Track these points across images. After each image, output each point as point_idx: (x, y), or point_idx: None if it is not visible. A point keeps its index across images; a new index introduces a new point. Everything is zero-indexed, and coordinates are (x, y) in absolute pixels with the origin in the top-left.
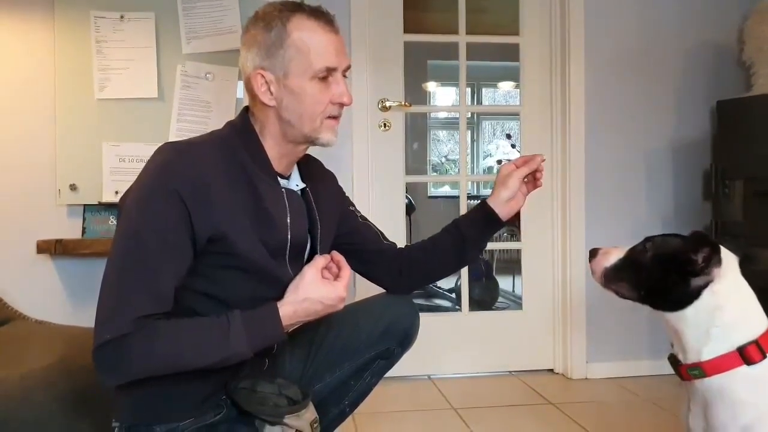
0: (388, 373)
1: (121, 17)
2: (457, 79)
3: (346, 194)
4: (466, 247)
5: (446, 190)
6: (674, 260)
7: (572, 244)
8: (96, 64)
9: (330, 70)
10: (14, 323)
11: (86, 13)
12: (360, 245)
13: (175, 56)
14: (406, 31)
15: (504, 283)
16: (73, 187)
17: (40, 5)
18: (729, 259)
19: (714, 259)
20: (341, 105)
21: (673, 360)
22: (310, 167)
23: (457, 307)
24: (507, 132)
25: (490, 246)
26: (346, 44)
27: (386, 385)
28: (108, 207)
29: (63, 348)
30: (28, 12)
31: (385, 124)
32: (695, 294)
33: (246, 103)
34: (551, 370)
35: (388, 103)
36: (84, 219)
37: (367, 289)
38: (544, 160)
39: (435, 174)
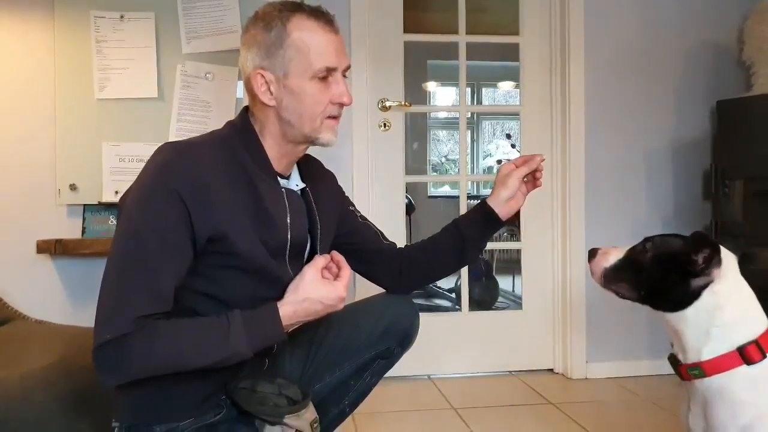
0: (388, 373)
1: (121, 17)
2: (456, 79)
3: (346, 194)
4: (466, 247)
5: (446, 190)
6: (674, 260)
7: (572, 244)
8: (96, 64)
9: (330, 70)
10: (14, 323)
11: (86, 13)
12: (360, 245)
13: (175, 56)
14: (406, 31)
15: (504, 283)
16: (73, 187)
17: (40, 5)
18: (729, 260)
19: (714, 260)
20: (341, 105)
21: (673, 360)
22: (310, 167)
23: (457, 307)
24: (507, 132)
25: (490, 246)
26: (346, 44)
27: (386, 385)
28: (108, 207)
29: (63, 348)
30: (28, 12)
31: (385, 124)
32: (695, 294)
33: (246, 103)
34: (551, 370)
35: (388, 103)
36: (84, 219)
37: (367, 289)
38: (543, 160)
39: (435, 174)
